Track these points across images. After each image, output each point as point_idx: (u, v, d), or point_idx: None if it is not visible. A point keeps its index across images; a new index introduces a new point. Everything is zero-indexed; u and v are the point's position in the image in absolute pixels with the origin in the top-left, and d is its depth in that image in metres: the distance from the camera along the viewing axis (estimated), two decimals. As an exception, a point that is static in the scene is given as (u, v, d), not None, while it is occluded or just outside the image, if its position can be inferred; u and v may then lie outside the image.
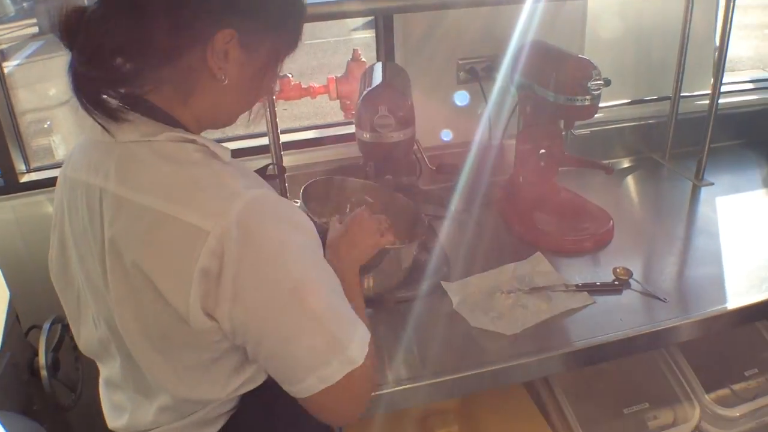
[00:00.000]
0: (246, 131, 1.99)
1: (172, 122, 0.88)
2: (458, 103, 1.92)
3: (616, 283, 1.49)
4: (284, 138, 1.78)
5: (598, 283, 1.48)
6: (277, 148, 1.66)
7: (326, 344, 0.86)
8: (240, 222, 0.79)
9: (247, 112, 0.99)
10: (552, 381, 1.61)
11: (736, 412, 1.62)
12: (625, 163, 2.13)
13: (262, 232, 0.81)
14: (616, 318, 1.38)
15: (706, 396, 1.62)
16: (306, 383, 0.87)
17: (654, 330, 1.36)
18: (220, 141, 1.90)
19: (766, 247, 1.63)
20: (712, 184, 1.96)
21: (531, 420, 1.52)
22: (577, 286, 1.47)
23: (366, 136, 1.49)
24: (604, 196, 1.87)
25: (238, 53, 0.87)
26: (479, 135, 1.87)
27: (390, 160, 1.57)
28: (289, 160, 1.83)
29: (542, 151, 1.73)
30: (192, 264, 0.78)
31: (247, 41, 0.87)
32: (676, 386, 1.63)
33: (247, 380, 0.95)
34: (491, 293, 1.47)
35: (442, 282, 1.50)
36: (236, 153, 1.82)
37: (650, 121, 2.15)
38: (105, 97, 0.84)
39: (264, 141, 1.76)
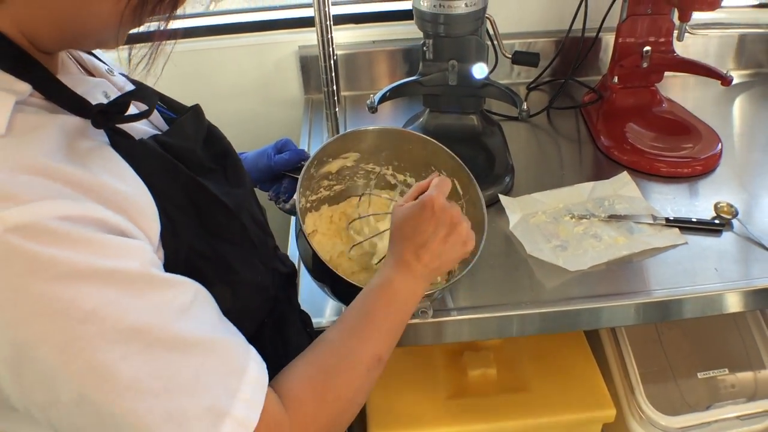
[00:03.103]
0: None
1: None
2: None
3: (716, 221, 1.21)
4: (338, 10, 1.54)
5: (694, 219, 1.20)
6: (325, 22, 1.37)
7: None
8: None
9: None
10: (618, 331, 1.36)
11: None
12: (744, 78, 1.76)
13: (7, 300, 0.47)
14: (711, 267, 1.12)
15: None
16: None
17: (755, 288, 1.09)
18: (256, 10, 1.74)
19: None
20: None
21: (584, 375, 1.28)
22: (667, 219, 1.20)
23: (423, 3, 1.21)
24: (714, 114, 1.54)
25: None
26: (571, 22, 1.54)
27: (454, 41, 1.28)
28: (343, 36, 1.60)
29: (647, 48, 1.41)
30: None
31: None
32: (763, 353, 1.35)
33: None
34: (558, 216, 1.22)
35: (500, 195, 1.25)
36: (281, 24, 1.61)
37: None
38: None
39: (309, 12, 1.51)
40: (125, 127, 0.61)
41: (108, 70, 0.71)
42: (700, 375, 1.32)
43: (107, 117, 0.58)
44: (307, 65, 1.61)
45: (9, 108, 0.51)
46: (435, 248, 0.78)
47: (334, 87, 1.41)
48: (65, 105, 0.57)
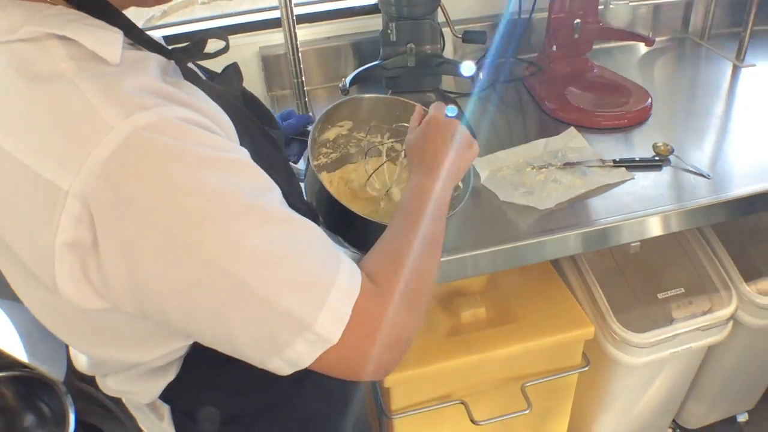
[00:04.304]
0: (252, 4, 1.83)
1: None
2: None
3: (656, 158, 1.38)
4: (299, 10, 1.65)
5: (637, 159, 1.37)
6: (291, 21, 1.50)
7: (279, 325, 0.61)
8: (109, 173, 0.53)
9: None
10: (580, 259, 1.52)
11: (773, 300, 1.54)
12: (660, 43, 1.97)
13: (147, 185, 0.54)
14: (657, 194, 1.29)
15: (744, 283, 1.54)
16: (272, 365, 0.65)
17: (697, 206, 1.26)
18: (220, 17, 1.85)
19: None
20: (754, 65, 1.82)
21: (559, 301, 1.44)
22: (614, 161, 1.36)
23: (387, -10, 1.36)
24: (639, 74, 1.76)
25: None
26: (509, 6, 1.72)
27: (412, 24, 1.43)
28: (302, 34, 1.70)
29: (577, 20, 1.59)
30: (50, 235, 0.55)
31: None
32: (713, 273, 1.54)
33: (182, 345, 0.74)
34: (521, 168, 1.37)
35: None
36: (242, 28, 1.72)
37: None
38: None
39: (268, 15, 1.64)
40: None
41: None
42: (659, 296, 1.49)
43: (188, 54, 0.69)
44: (268, 64, 1.71)
45: (120, 43, 0.59)
46: (448, 153, 0.89)
47: (303, 78, 1.54)
48: (148, 47, 0.66)
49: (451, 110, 0.96)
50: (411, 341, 0.72)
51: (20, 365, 1.36)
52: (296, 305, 0.60)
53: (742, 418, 2.06)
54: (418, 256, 0.75)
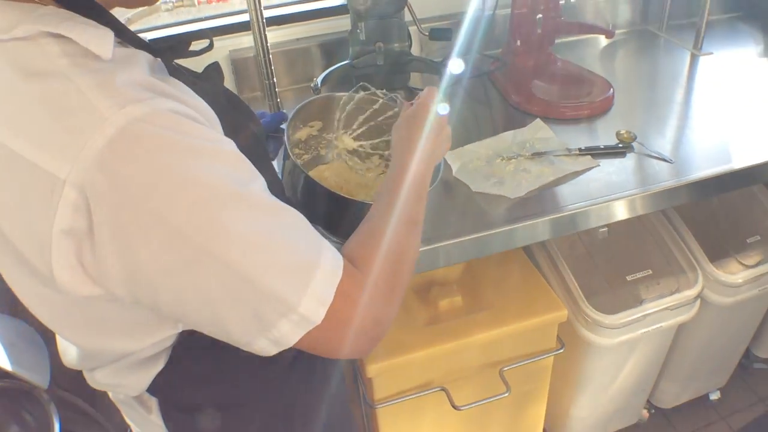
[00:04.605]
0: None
1: None
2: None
3: (620, 146, 1.43)
4: (268, 13, 1.67)
5: (602, 146, 1.42)
6: (260, 24, 1.53)
7: (265, 306, 0.64)
8: (104, 162, 0.56)
9: None
10: (551, 246, 1.57)
11: (738, 278, 1.60)
12: (621, 35, 2.04)
13: (140, 173, 0.57)
14: (621, 180, 1.34)
15: (710, 263, 1.60)
16: (257, 346, 0.68)
17: (660, 189, 1.32)
18: (186, 23, 1.87)
19: (764, 113, 1.57)
20: (711, 53, 1.88)
21: (533, 286, 1.49)
22: (580, 149, 1.41)
23: (355, -10, 1.40)
24: (600, 66, 1.82)
25: None
26: (473, 4, 1.76)
27: (380, 23, 1.47)
28: (272, 36, 1.73)
29: (539, 15, 1.64)
30: (48, 222, 0.58)
31: None
32: (678, 254, 1.60)
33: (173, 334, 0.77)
34: (491, 160, 1.41)
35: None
36: (211, 32, 1.74)
37: (646, -9, 2.05)
38: None
39: (244, 17, 1.65)
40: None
41: None
42: (629, 278, 1.55)
43: (174, 52, 0.72)
44: (238, 67, 1.74)
45: (111, 40, 0.62)
46: (431, 138, 0.93)
47: (274, 80, 1.56)
48: (135, 44, 0.69)
49: (442, 108, 1.00)
50: (391, 321, 0.76)
51: (3, 375, 1.37)
52: (282, 287, 0.64)
53: (715, 396, 2.12)
54: (398, 238, 0.78)
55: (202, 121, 0.64)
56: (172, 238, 0.59)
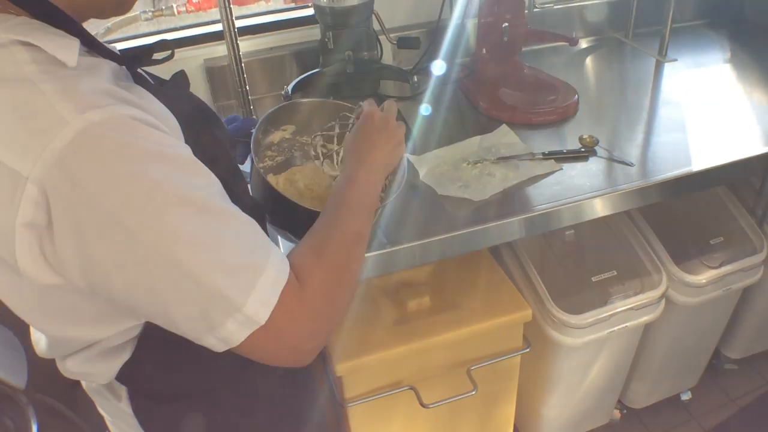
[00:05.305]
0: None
1: (37, 4, 0.68)
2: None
3: (582, 150, 1.47)
4: (239, 23, 1.70)
5: (564, 151, 1.47)
6: (233, 34, 1.57)
7: (212, 305, 0.68)
8: (63, 162, 0.60)
9: None
10: (518, 248, 1.61)
11: (702, 279, 1.64)
12: (587, 43, 2.09)
13: (96, 174, 0.61)
14: (584, 183, 1.38)
15: (674, 264, 1.64)
16: (207, 342, 0.71)
17: (621, 192, 1.36)
18: (164, 32, 1.90)
19: (727, 117, 1.62)
20: (676, 60, 1.93)
21: (500, 288, 1.52)
22: (543, 154, 1.45)
23: (323, 0, 1.43)
24: (567, 73, 1.86)
25: None
26: (440, 13, 1.80)
27: (349, 32, 1.50)
28: (244, 45, 1.76)
29: (505, 24, 1.68)
30: (12, 216, 0.62)
31: None
32: (643, 255, 1.64)
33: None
34: (457, 164, 1.45)
35: (407, 155, 1.46)
36: (186, 41, 1.78)
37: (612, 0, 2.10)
38: None
39: (218, 27, 1.68)
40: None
41: None
42: (594, 279, 1.59)
43: (138, 60, 0.77)
44: (213, 76, 1.77)
45: (76, 49, 0.66)
46: (381, 146, 0.97)
47: (247, 87, 1.60)
48: (103, 54, 0.73)
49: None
50: (332, 331, 0.80)
51: (-20, 378, 1.40)
52: (228, 287, 0.68)
53: (686, 396, 2.16)
54: (343, 249, 0.82)
55: (160, 127, 0.68)
56: (124, 236, 0.63)
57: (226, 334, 0.70)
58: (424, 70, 1.79)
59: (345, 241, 0.83)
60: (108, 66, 0.72)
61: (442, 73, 1.78)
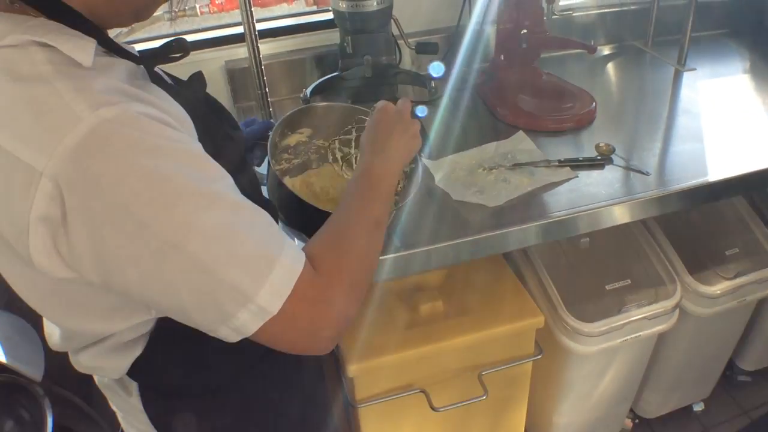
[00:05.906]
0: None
1: (54, 7, 0.70)
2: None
3: (599, 158, 1.47)
4: (260, 26, 1.72)
5: (581, 158, 1.47)
6: (253, 37, 1.59)
7: (224, 295, 0.69)
8: (77, 157, 0.62)
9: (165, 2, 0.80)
10: (532, 254, 1.62)
11: (716, 290, 1.64)
12: (607, 51, 2.09)
13: (109, 168, 0.63)
14: (599, 191, 1.38)
15: (688, 274, 1.64)
16: (221, 333, 0.73)
17: (637, 200, 1.36)
18: (186, 33, 1.92)
19: (745, 127, 1.62)
20: (695, 69, 1.93)
21: (511, 292, 1.53)
22: (559, 161, 1.45)
23: (342, 5, 1.44)
24: (586, 80, 1.85)
25: None
26: (459, 18, 1.81)
27: (368, 37, 1.52)
28: (265, 48, 1.78)
29: (524, 31, 1.68)
30: (26, 210, 0.63)
31: None
32: (657, 265, 1.64)
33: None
34: (473, 170, 1.46)
35: (423, 159, 1.47)
36: (208, 43, 1.80)
37: (632, 8, 2.10)
38: None
39: (239, 30, 1.70)
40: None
41: None
42: (608, 287, 1.59)
43: (155, 59, 0.79)
44: (234, 77, 1.79)
45: (93, 48, 0.68)
46: (396, 137, 0.98)
47: (267, 89, 1.62)
48: (120, 54, 0.75)
49: (420, 110, 1.03)
50: (350, 321, 0.80)
51: (1, 369, 1.42)
52: (241, 278, 0.69)
53: (698, 407, 2.16)
54: (360, 239, 0.83)
55: (173, 124, 0.70)
56: (138, 229, 0.65)
57: (239, 324, 0.71)
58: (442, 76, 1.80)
59: (362, 228, 0.84)
60: (124, 65, 0.74)
61: (454, 82, 1.79)
